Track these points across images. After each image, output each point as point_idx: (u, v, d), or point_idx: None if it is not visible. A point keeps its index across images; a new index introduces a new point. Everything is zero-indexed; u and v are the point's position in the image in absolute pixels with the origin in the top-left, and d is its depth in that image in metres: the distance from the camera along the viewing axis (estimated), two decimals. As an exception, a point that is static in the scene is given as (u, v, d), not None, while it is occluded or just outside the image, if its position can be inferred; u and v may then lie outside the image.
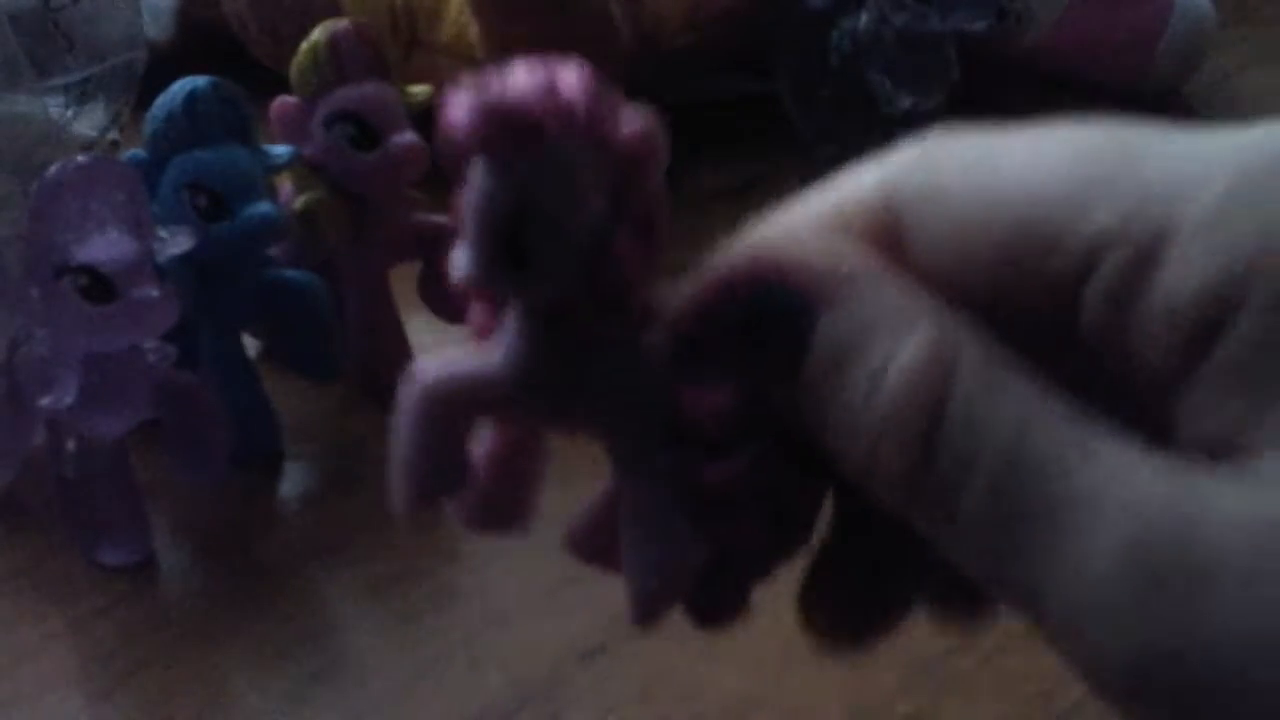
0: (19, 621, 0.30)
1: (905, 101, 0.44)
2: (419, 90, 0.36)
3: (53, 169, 0.28)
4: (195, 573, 0.32)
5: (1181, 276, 0.18)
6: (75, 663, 0.29)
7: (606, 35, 0.44)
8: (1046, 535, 0.18)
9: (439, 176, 0.35)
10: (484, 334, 0.23)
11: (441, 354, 0.23)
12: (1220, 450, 0.18)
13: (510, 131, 0.21)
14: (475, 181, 0.21)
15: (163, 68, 0.37)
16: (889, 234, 0.20)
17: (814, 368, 0.19)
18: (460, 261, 0.21)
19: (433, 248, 0.36)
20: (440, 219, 0.36)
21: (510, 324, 0.22)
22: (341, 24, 0.34)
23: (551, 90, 0.21)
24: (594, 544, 0.25)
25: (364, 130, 0.34)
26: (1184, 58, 0.51)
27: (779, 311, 0.20)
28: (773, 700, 0.28)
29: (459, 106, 0.20)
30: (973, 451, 0.18)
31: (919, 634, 0.30)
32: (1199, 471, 0.18)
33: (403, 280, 0.37)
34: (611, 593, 0.31)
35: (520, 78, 0.21)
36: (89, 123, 0.39)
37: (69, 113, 0.39)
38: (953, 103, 0.44)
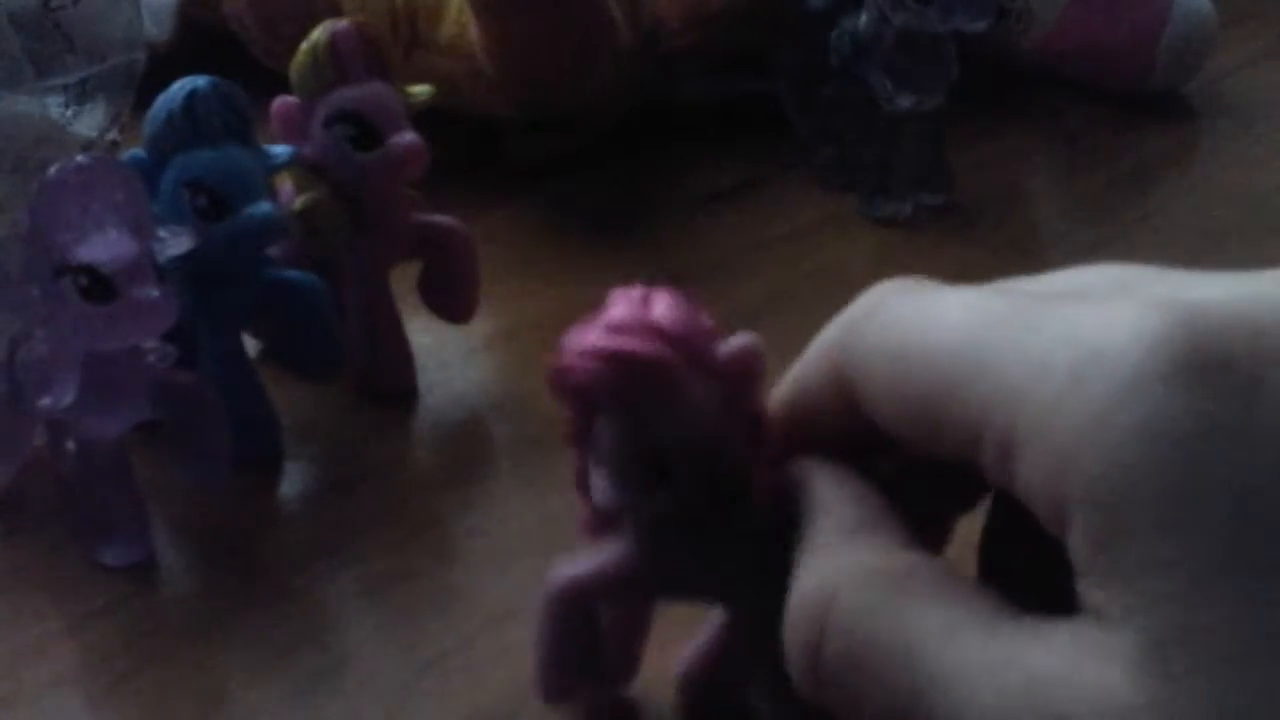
0: (19, 621, 0.30)
1: (905, 101, 0.44)
2: (419, 90, 0.36)
3: (53, 169, 0.28)
4: (195, 573, 0.32)
5: (1026, 477, 0.21)
6: (75, 663, 0.29)
7: (606, 35, 0.44)
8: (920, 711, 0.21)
9: (439, 176, 0.35)
10: (593, 528, 0.27)
11: (572, 558, 0.27)
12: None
13: (641, 382, 0.24)
14: (607, 422, 0.25)
15: (163, 68, 0.37)
16: (847, 386, 0.24)
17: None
18: (601, 489, 0.25)
19: (433, 248, 0.36)
20: (440, 219, 0.36)
21: (634, 530, 0.26)
22: (341, 24, 0.34)
23: (665, 335, 0.24)
24: (705, 681, 0.29)
25: (364, 130, 0.34)
26: (1184, 58, 0.51)
27: None
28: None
29: (582, 354, 0.24)
30: (849, 655, 0.22)
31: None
32: (1033, 635, 0.21)
33: (403, 280, 0.37)
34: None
35: (629, 324, 0.24)
36: (89, 123, 0.39)
37: (69, 113, 0.39)
38: (953, 102, 0.44)
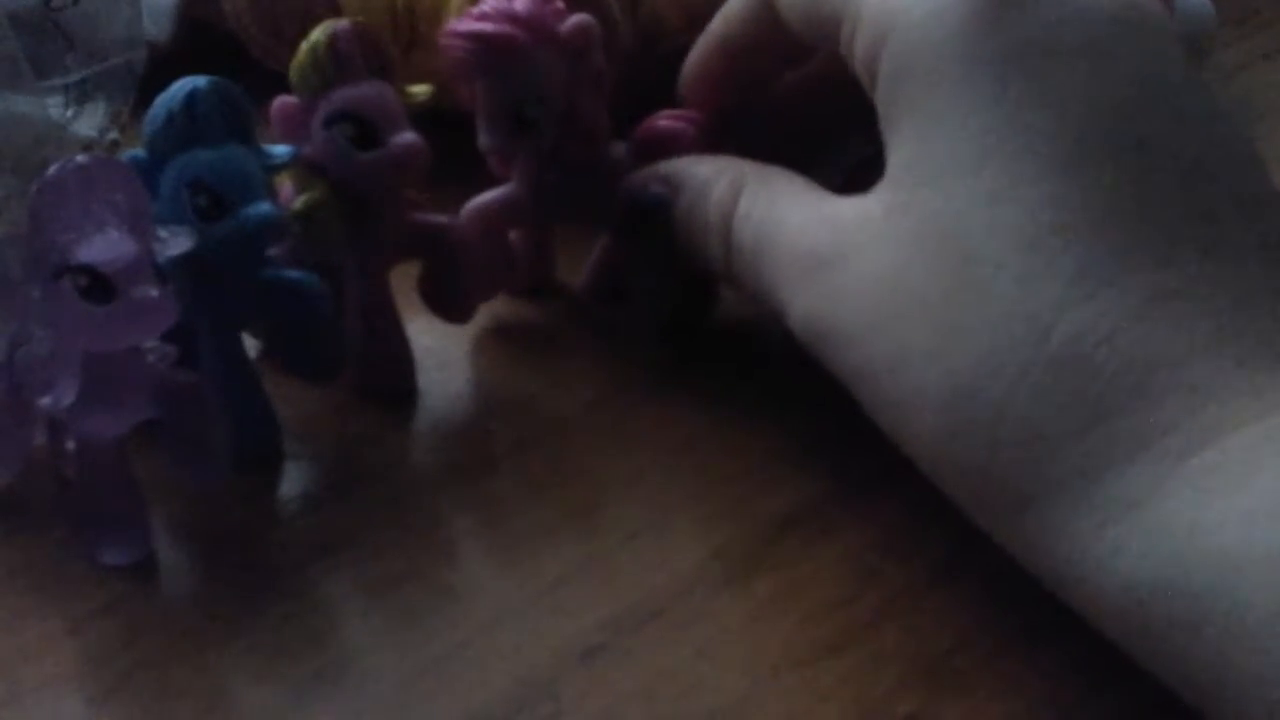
0: (19, 621, 0.30)
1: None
2: (419, 90, 0.36)
3: (53, 169, 0.28)
4: (195, 573, 0.32)
5: (859, 52, 0.30)
6: (75, 663, 0.29)
7: (606, 34, 0.44)
8: (771, 261, 0.32)
9: (439, 176, 0.35)
10: (503, 177, 0.38)
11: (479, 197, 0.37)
12: None
13: (497, 55, 0.35)
14: (480, 86, 0.35)
15: (163, 68, 0.37)
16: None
17: (679, 217, 0.35)
18: (485, 138, 0.36)
19: (433, 248, 0.36)
20: (440, 219, 0.36)
21: (520, 167, 0.37)
22: (341, 24, 0.34)
23: (518, 18, 0.35)
24: (600, 287, 0.40)
25: (364, 130, 0.34)
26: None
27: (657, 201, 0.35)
28: (773, 700, 0.28)
29: (454, 35, 0.35)
30: (743, 229, 0.33)
31: (919, 634, 0.30)
32: (856, 205, 0.30)
33: (403, 280, 0.37)
34: (611, 592, 0.32)
35: (491, 12, 0.35)
36: (89, 123, 0.39)
37: (69, 113, 0.39)
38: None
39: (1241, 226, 0.26)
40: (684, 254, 0.35)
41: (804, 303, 0.30)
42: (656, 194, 0.35)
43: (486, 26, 0.35)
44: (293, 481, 0.34)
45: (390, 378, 0.37)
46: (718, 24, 0.36)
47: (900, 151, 0.29)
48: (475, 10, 0.35)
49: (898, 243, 0.28)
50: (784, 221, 0.31)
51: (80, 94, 0.39)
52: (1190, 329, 0.25)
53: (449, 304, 0.38)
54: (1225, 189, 0.27)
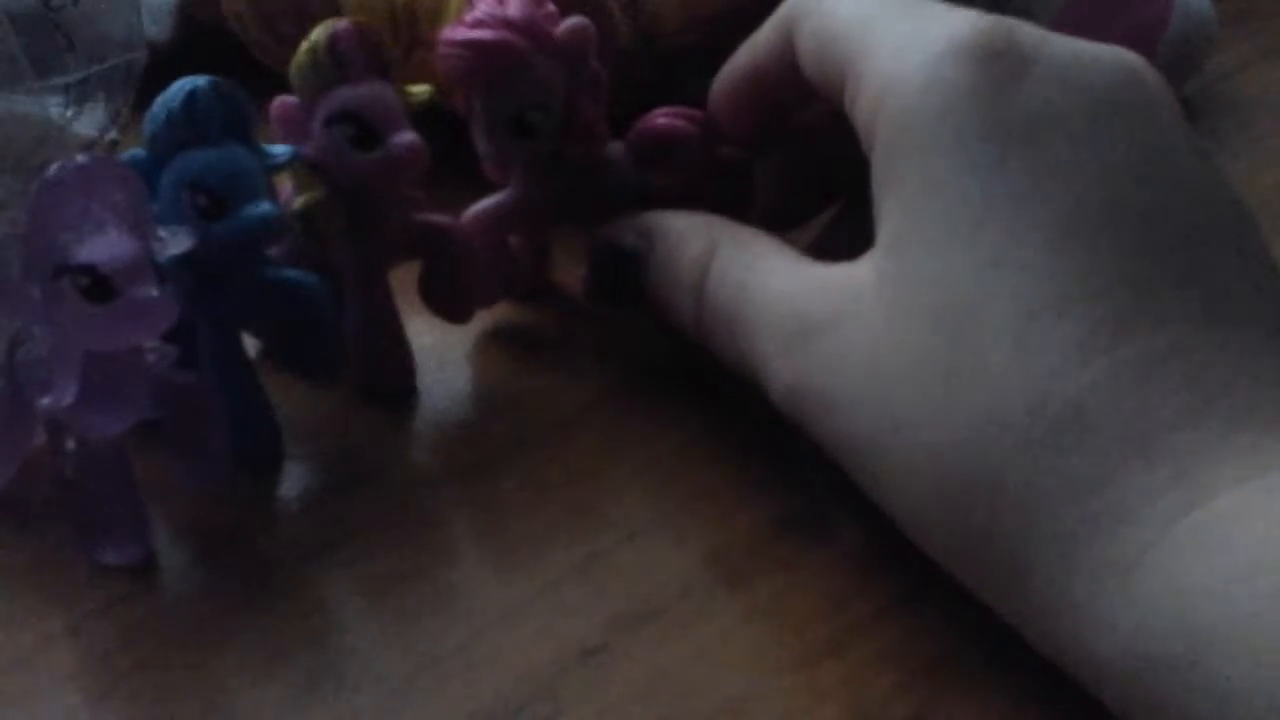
0: (19, 621, 0.30)
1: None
2: (419, 90, 0.36)
3: (53, 169, 0.28)
4: (195, 573, 0.32)
5: (859, 115, 0.30)
6: (75, 663, 0.29)
7: (605, 35, 0.44)
8: (748, 328, 0.31)
9: (439, 176, 0.35)
10: (500, 182, 0.37)
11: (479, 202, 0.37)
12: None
13: (493, 63, 0.34)
14: (477, 94, 0.35)
15: (163, 68, 0.37)
16: (790, 45, 0.33)
17: (654, 268, 0.34)
18: (484, 145, 0.36)
19: (433, 248, 0.36)
20: (440, 219, 0.36)
21: (519, 172, 0.37)
22: (341, 24, 0.34)
23: (513, 24, 0.34)
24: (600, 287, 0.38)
25: (364, 130, 0.34)
26: (1184, 58, 0.51)
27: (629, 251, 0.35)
28: (773, 700, 0.28)
29: (449, 45, 0.35)
30: (718, 291, 0.32)
31: (919, 634, 0.30)
32: (846, 273, 0.29)
33: (403, 280, 0.37)
34: (611, 592, 0.32)
35: (485, 19, 0.34)
36: (89, 123, 0.39)
37: (69, 113, 0.39)
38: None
39: (1237, 289, 0.26)
40: (654, 309, 0.34)
41: (791, 370, 0.30)
42: (630, 246, 0.35)
43: (483, 34, 0.34)
44: (293, 481, 0.34)
45: (390, 378, 0.37)
46: (745, 53, 0.36)
47: (894, 218, 0.28)
48: (469, 17, 0.35)
49: (892, 309, 0.28)
50: (764, 287, 0.31)
51: (80, 94, 0.39)
52: (1185, 392, 0.25)
53: (449, 304, 0.38)
54: (1222, 254, 0.27)
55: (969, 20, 0.28)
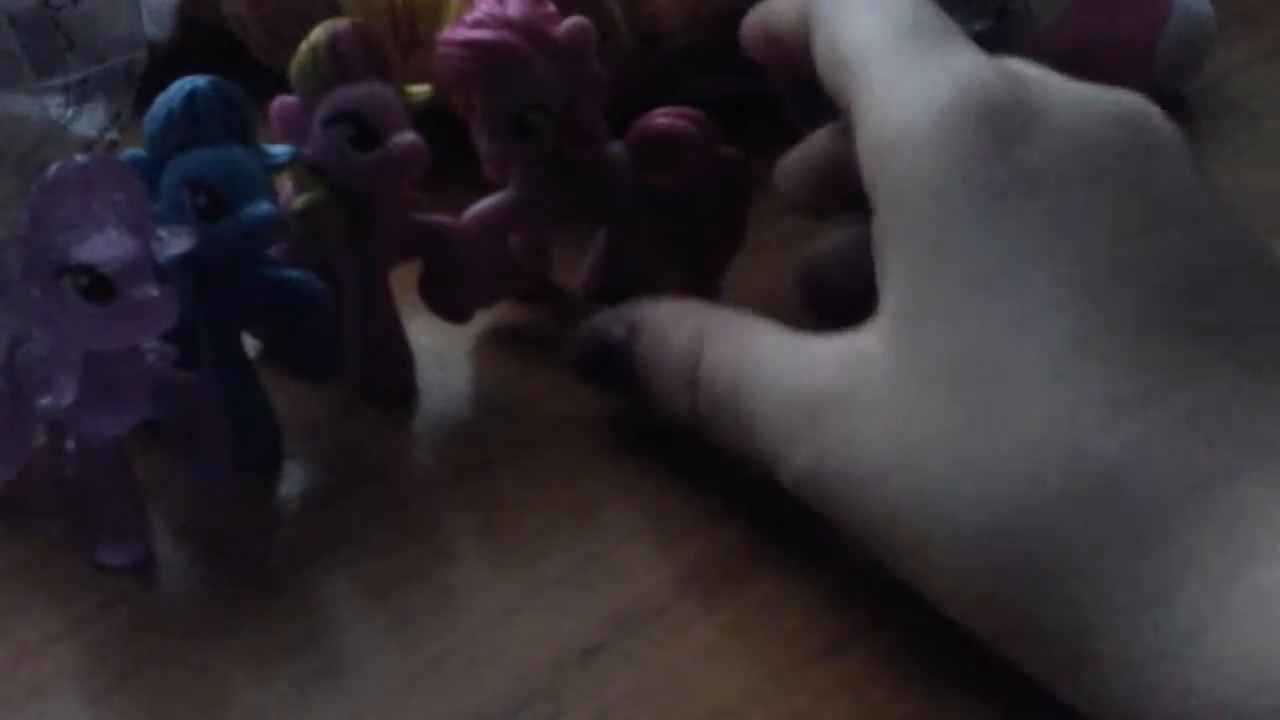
0: (19, 621, 0.30)
1: (905, 101, 0.44)
2: (419, 90, 0.36)
3: (53, 169, 0.28)
4: (195, 573, 0.32)
5: (861, 152, 0.29)
6: (75, 663, 0.29)
7: (605, 34, 0.44)
8: (753, 416, 0.30)
9: (439, 176, 0.35)
10: (499, 182, 0.37)
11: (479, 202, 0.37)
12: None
13: (493, 63, 0.34)
14: (478, 94, 0.35)
15: (163, 68, 0.37)
16: (803, 28, 0.32)
17: (640, 359, 0.33)
18: (484, 145, 0.36)
19: (433, 248, 0.36)
20: (440, 219, 0.37)
21: (519, 172, 0.37)
22: (341, 24, 0.34)
23: (513, 24, 0.34)
24: (601, 285, 0.40)
25: (364, 130, 0.34)
26: (1184, 58, 0.51)
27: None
28: (773, 700, 0.28)
29: (450, 45, 0.34)
30: (714, 381, 0.31)
31: (919, 634, 0.30)
32: (849, 346, 0.28)
33: (403, 280, 0.37)
34: (611, 592, 0.31)
35: (486, 19, 0.34)
36: (89, 123, 0.39)
37: (69, 113, 0.39)
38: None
39: (1266, 333, 0.26)
40: (644, 396, 0.33)
41: (803, 455, 0.28)
42: (615, 338, 0.33)
43: (483, 34, 0.34)
44: (293, 481, 0.34)
45: (390, 378, 0.37)
46: (765, 11, 0.35)
47: (901, 281, 0.27)
48: (469, 18, 0.35)
49: (907, 378, 0.27)
50: (762, 372, 0.29)
51: (80, 94, 0.39)
52: (1226, 445, 0.24)
53: (449, 304, 0.38)
54: (1247, 297, 0.26)
55: (974, 71, 0.27)
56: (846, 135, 0.31)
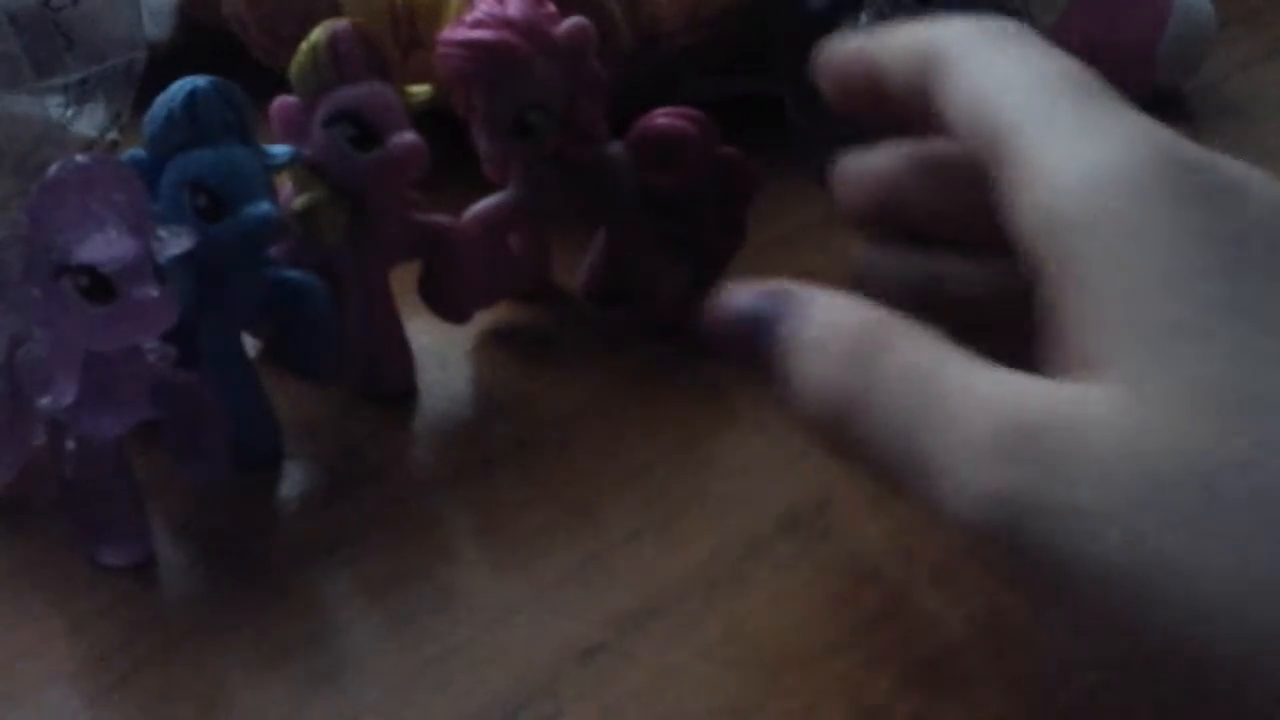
0: (19, 621, 0.30)
1: (905, 101, 0.44)
2: (419, 90, 0.36)
3: (53, 169, 0.28)
4: (195, 573, 0.32)
5: (1022, 216, 0.26)
6: (75, 663, 0.29)
7: (605, 34, 0.44)
8: (935, 424, 0.24)
9: (439, 176, 0.35)
10: (499, 182, 0.38)
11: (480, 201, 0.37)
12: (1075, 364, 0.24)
13: (493, 62, 0.34)
14: (478, 94, 0.35)
15: (163, 68, 0.37)
16: (921, 75, 0.29)
17: (785, 340, 0.28)
18: (484, 145, 0.36)
19: (433, 248, 0.37)
20: (440, 219, 0.37)
21: (519, 172, 0.37)
22: (341, 24, 0.34)
23: (513, 24, 0.34)
24: (601, 285, 0.40)
25: (364, 130, 0.34)
26: (1184, 58, 0.51)
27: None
28: (773, 700, 0.28)
29: (450, 45, 0.35)
30: (897, 381, 0.25)
31: (919, 634, 0.30)
32: (1059, 384, 0.24)
33: (403, 280, 0.37)
34: (611, 592, 0.31)
35: (486, 19, 0.34)
36: (89, 123, 0.39)
37: (69, 113, 0.39)
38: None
39: None
40: (778, 379, 0.28)
41: (1000, 474, 0.23)
42: (768, 309, 0.29)
43: (484, 35, 0.34)
44: (293, 481, 0.34)
45: (390, 378, 0.37)
46: (866, 50, 0.32)
47: (1105, 315, 0.24)
48: (469, 18, 0.35)
49: (1141, 413, 0.23)
50: (965, 383, 0.25)
51: (80, 94, 0.39)
52: None
53: (449, 304, 0.38)
54: None
55: (1155, 128, 0.26)
56: (921, 167, 0.31)
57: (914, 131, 0.32)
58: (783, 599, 0.31)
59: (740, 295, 0.30)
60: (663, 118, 0.37)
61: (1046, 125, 0.26)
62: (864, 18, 0.43)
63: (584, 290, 0.40)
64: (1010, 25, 0.28)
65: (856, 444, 0.26)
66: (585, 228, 0.39)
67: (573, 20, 0.35)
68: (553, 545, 0.32)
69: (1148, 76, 0.51)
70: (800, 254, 0.43)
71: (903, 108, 0.30)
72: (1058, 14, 0.52)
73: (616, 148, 0.37)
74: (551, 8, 0.35)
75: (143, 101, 0.34)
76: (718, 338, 0.30)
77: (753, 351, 0.29)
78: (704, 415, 0.36)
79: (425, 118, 0.35)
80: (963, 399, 0.24)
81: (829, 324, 0.28)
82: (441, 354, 0.38)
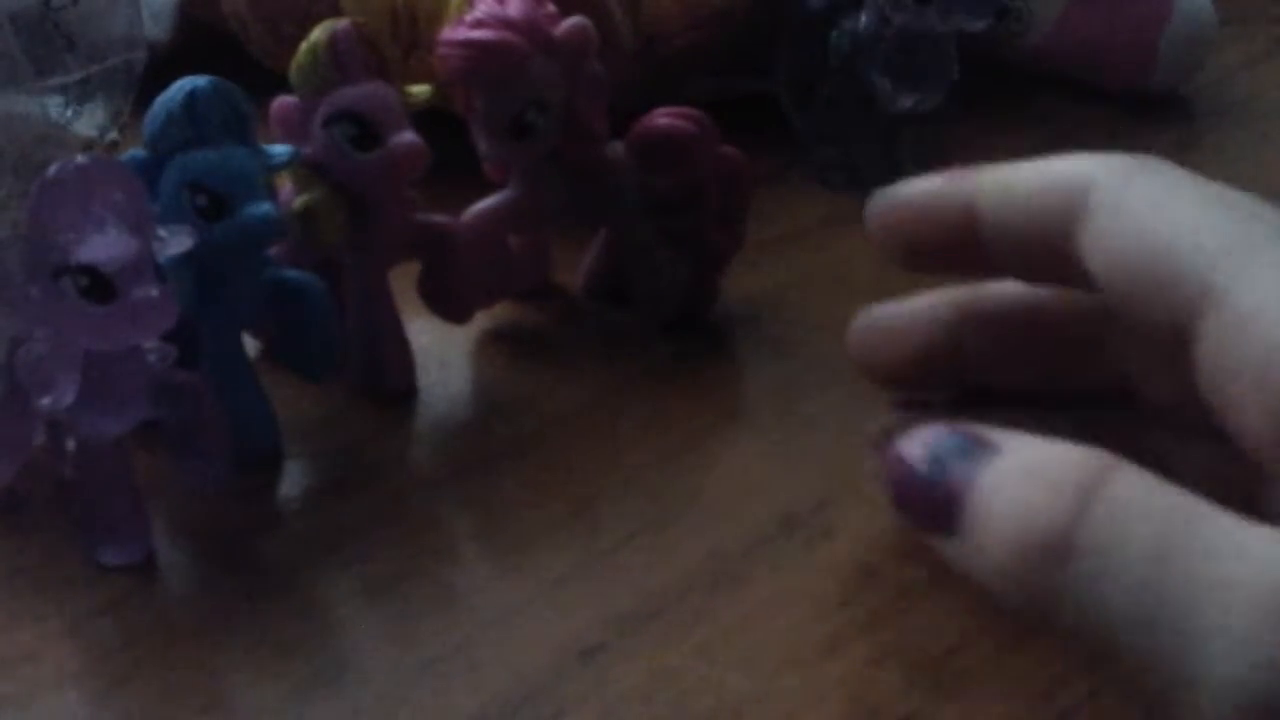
0: (19, 621, 0.30)
1: (905, 101, 0.44)
2: (419, 90, 0.36)
3: (53, 169, 0.28)
4: (195, 573, 0.32)
5: (1207, 354, 0.23)
6: (75, 663, 0.29)
7: (605, 34, 0.44)
8: (1198, 577, 0.21)
9: (439, 176, 0.35)
10: (499, 182, 0.37)
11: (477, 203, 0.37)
12: None
13: (493, 62, 0.34)
14: (478, 94, 0.35)
15: (163, 68, 0.37)
16: (1062, 215, 0.27)
17: (988, 490, 0.24)
18: (483, 146, 0.36)
19: (433, 248, 0.36)
20: (440, 219, 0.37)
21: (519, 172, 0.37)
22: (341, 24, 0.34)
23: (513, 24, 0.34)
24: (601, 285, 0.40)
25: (364, 130, 0.34)
26: (1184, 58, 0.51)
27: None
28: (773, 700, 0.28)
29: (450, 45, 0.35)
30: (1130, 525, 0.22)
31: (919, 634, 0.30)
32: None
33: (403, 280, 0.37)
34: (611, 592, 0.32)
35: (486, 19, 0.34)
36: (89, 123, 0.39)
37: (69, 113, 0.39)
38: (952, 103, 0.44)
39: None
40: (972, 543, 0.24)
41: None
42: (960, 460, 0.25)
43: (484, 34, 0.34)
44: (293, 481, 0.34)
45: (390, 378, 0.37)
46: (1009, 171, 0.29)
47: None
48: (469, 18, 0.35)
49: None
50: (1231, 541, 0.22)
51: (80, 94, 0.39)
52: None
53: (449, 304, 0.38)
54: None
55: None
56: (980, 317, 0.30)
57: (971, 274, 0.30)
58: (783, 599, 0.31)
59: (916, 440, 0.25)
60: (663, 118, 0.37)
61: (1257, 277, 0.23)
62: (864, 18, 0.43)
63: (584, 290, 0.40)
64: (1150, 159, 0.26)
65: (1067, 588, 0.22)
66: (585, 228, 0.39)
67: (572, 20, 0.35)
68: (553, 545, 0.32)
69: (1148, 76, 0.51)
70: (800, 254, 0.43)
71: (983, 252, 0.28)
72: (1058, 13, 0.52)
73: (616, 148, 0.37)
74: (551, 8, 0.35)
75: (143, 101, 0.34)
76: (899, 494, 0.26)
77: (937, 500, 0.25)
78: (704, 415, 0.36)
79: (425, 118, 0.35)
80: (1236, 555, 0.21)
81: (1035, 456, 0.24)
82: (441, 354, 0.38)
